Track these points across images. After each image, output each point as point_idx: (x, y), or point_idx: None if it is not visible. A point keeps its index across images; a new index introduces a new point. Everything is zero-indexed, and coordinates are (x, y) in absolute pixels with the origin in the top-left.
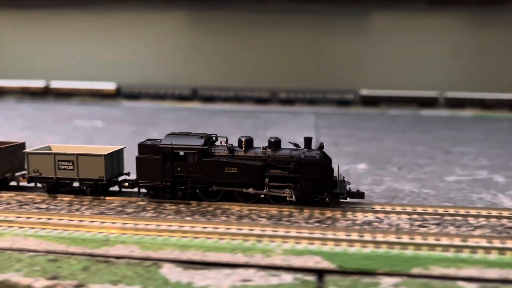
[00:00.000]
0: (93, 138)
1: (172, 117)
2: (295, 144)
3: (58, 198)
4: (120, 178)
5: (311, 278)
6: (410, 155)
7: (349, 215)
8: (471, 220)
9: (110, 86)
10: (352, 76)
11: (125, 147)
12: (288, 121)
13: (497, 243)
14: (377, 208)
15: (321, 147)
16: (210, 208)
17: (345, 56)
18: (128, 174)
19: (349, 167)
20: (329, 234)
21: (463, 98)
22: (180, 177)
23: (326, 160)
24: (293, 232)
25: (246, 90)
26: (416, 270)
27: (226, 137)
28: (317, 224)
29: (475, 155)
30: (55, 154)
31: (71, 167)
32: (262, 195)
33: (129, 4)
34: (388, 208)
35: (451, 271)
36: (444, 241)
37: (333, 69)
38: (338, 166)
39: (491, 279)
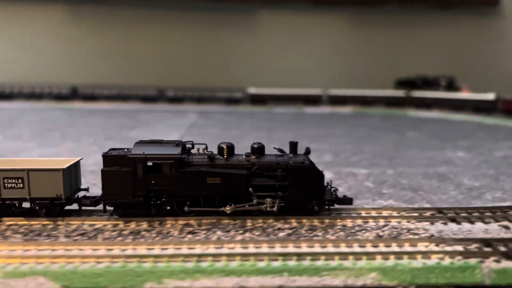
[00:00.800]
0: None
1: (37, 119)
2: (280, 150)
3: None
4: (79, 194)
5: None
6: None
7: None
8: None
9: None
10: (240, 75)
11: (81, 159)
12: (163, 121)
13: (253, 249)
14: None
15: (307, 152)
16: None
17: (234, 54)
18: (86, 189)
19: None
20: (60, 250)
21: (344, 95)
22: (154, 190)
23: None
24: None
25: (131, 88)
26: (148, 285)
27: (206, 144)
28: (68, 239)
29: (322, 151)
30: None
31: (21, 185)
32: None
33: None
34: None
35: (186, 283)
36: (185, 250)
37: (222, 67)
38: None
39: None
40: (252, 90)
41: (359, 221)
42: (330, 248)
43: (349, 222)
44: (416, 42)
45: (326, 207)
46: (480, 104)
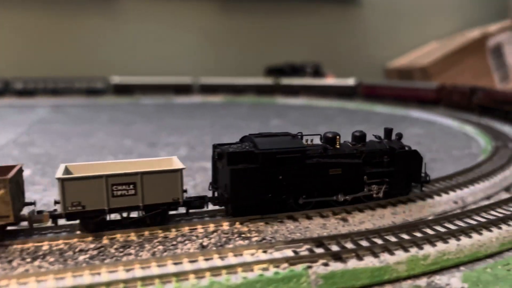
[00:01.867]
0: None
1: None
2: (378, 137)
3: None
4: None
5: None
6: (108, 151)
7: None
8: None
9: None
10: (103, 63)
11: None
12: (3, 118)
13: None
14: None
15: (399, 137)
16: None
17: (95, 41)
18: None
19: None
20: None
21: (215, 84)
22: (282, 186)
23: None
24: None
25: None
26: None
27: (320, 134)
28: None
29: (179, 144)
30: (107, 176)
31: (132, 192)
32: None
33: None
34: None
35: None
36: None
37: (81, 55)
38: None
39: None
40: (116, 80)
41: (186, 229)
42: (137, 271)
43: (173, 232)
44: (284, 30)
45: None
46: (342, 89)
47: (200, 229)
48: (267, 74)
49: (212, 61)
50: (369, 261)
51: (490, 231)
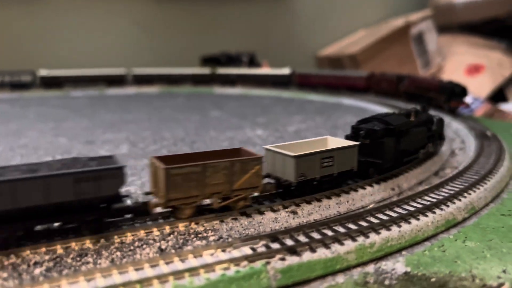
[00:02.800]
0: None
1: None
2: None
3: None
4: None
5: None
6: (44, 151)
7: None
8: None
9: None
10: (28, 56)
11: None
12: None
13: None
14: None
15: (426, 109)
16: None
17: (18, 33)
18: None
19: None
20: None
21: (150, 74)
22: (403, 150)
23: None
24: None
25: None
26: None
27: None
28: None
29: (118, 142)
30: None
31: (331, 163)
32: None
33: None
34: None
35: None
36: None
37: (3, 47)
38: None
39: None
40: (44, 72)
41: (142, 233)
42: (99, 281)
43: (129, 237)
44: (218, 20)
45: None
46: (277, 78)
47: (156, 231)
48: (203, 64)
49: (146, 51)
50: (321, 253)
51: (426, 216)
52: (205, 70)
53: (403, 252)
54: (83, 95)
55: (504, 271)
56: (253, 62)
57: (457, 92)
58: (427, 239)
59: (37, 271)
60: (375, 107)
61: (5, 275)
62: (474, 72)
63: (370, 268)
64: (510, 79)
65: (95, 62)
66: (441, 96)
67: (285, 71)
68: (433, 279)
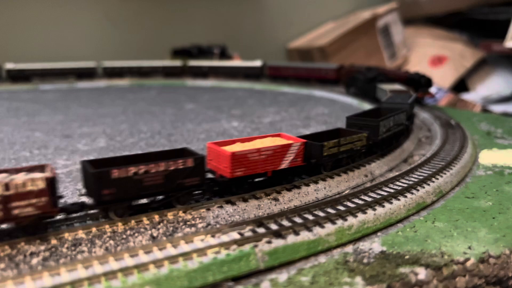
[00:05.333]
0: None
1: None
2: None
3: None
4: None
5: None
6: (20, 146)
7: None
8: None
9: None
10: None
11: None
12: None
13: None
14: None
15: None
16: None
17: None
18: None
19: None
20: None
21: (120, 67)
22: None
23: None
24: None
25: None
26: None
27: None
28: None
29: (96, 135)
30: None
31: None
32: None
33: None
34: None
35: None
36: None
37: None
38: None
39: None
40: (10, 66)
41: (132, 223)
42: (97, 268)
43: (120, 226)
44: (188, 11)
45: None
46: (249, 70)
47: (145, 221)
48: (173, 56)
49: (116, 44)
50: (304, 236)
51: (398, 200)
52: (176, 63)
53: (379, 233)
54: (53, 89)
55: (469, 248)
56: (224, 54)
57: (423, 83)
58: (400, 221)
59: (35, 260)
60: (346, 99)
61: (2, 265)
62: (438, 63)
63: (349, 248)
64: (471, 69)
65: (64, 55)
66: (409, 87)
67: (257, 63)
68: (406, 257)
